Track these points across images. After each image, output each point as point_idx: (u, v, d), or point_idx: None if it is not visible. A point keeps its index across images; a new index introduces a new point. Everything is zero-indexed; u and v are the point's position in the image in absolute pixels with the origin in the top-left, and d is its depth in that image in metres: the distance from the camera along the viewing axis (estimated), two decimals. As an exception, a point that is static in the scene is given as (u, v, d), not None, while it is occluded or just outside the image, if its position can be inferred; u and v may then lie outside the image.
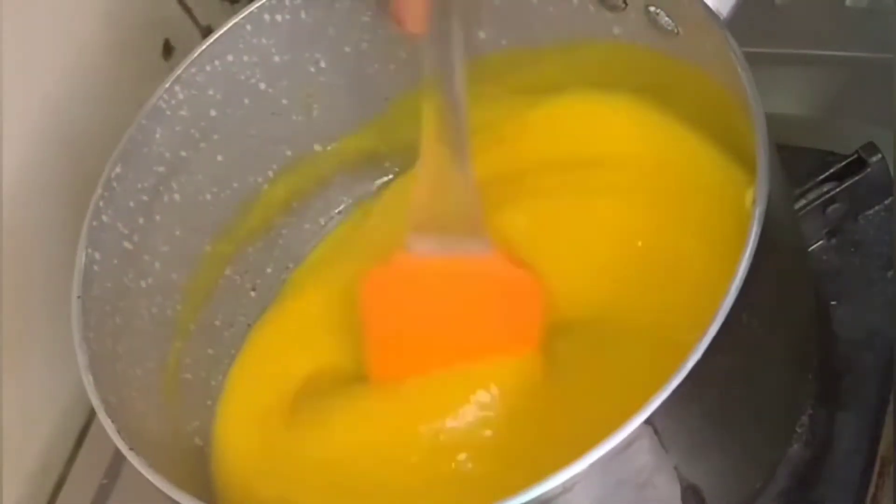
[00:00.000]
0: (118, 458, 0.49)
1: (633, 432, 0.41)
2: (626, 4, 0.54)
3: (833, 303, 0.57)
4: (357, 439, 0.55)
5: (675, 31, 0.52)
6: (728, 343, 0.42)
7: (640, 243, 0.56)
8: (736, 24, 0.52)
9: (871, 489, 0.52)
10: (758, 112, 0.46)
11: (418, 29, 0.54)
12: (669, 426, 0.42)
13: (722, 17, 0.51)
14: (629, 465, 0.42)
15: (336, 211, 0.68)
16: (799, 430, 0.54)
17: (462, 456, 0.53)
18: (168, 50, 0.73)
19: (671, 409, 0.41)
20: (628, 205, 0.58)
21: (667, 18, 0.52)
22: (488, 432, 0.53)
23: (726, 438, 0.48)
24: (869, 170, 0.57)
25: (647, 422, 0.41)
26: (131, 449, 0.48)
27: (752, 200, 0.44)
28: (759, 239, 0.43)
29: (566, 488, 0.41)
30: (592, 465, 0.41)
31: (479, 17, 0.61)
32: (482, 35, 0.61)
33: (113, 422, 0.49)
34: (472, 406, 0.53)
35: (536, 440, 0.53)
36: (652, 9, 0.53)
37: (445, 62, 0.53)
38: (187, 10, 0.74)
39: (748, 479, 0.51)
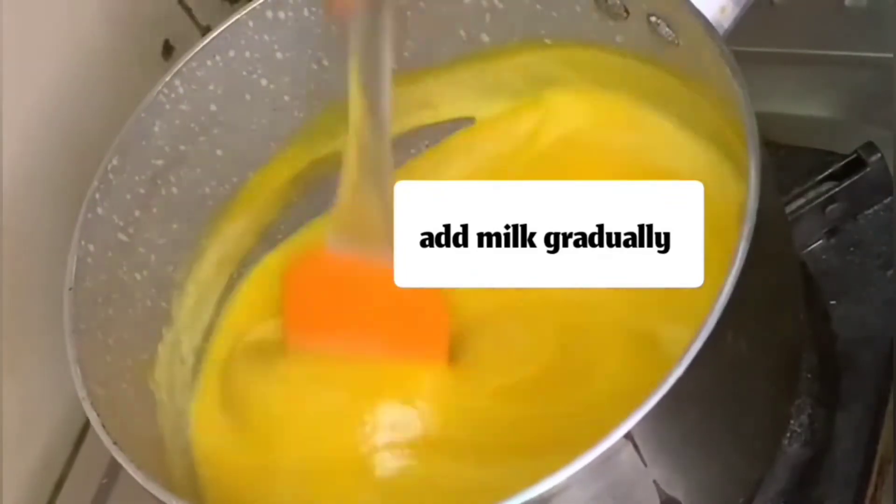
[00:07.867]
0: (118, 457, 0.48)
1: (612, 446, 0.41)
2: (628, 13, 0.54)
3: (833, 302, 0.57)
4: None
5: (676, 41, 0.52)
6: (712, 360, 0.42)
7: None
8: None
9: (871, 489, 0.52)
10: (751, 128, 0.46)
11: (343, 14, 0.53)
12: (650, 441, 0.42)
13: (723, 31, 0.51)
14: (607, 477, 0.42)
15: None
16: (798, 429, 0.54)
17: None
18: (168, 50, 0.74)
19: (652, 424, 0.41)
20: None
21: (667, 29, 0.52)
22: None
23: (708, 454, 0.47)
24: (868, 169, 0.57)
25: (627, 436, 0.41)
26: (115, 443, 0.47)
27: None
28: (748, 255, 0.43)
29: (543, 500, 0.41)
30: (570, 478, 0.41)
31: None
32: (485, 38, 0.61)
33: (98, 415, 0.48)
34: (392, 402, 0.55)
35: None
36: (653, 19, 0.53)
37: (372, 61, 0.52)
38: (187, 10, 0.75)
39: (730, 495, 0.51)
